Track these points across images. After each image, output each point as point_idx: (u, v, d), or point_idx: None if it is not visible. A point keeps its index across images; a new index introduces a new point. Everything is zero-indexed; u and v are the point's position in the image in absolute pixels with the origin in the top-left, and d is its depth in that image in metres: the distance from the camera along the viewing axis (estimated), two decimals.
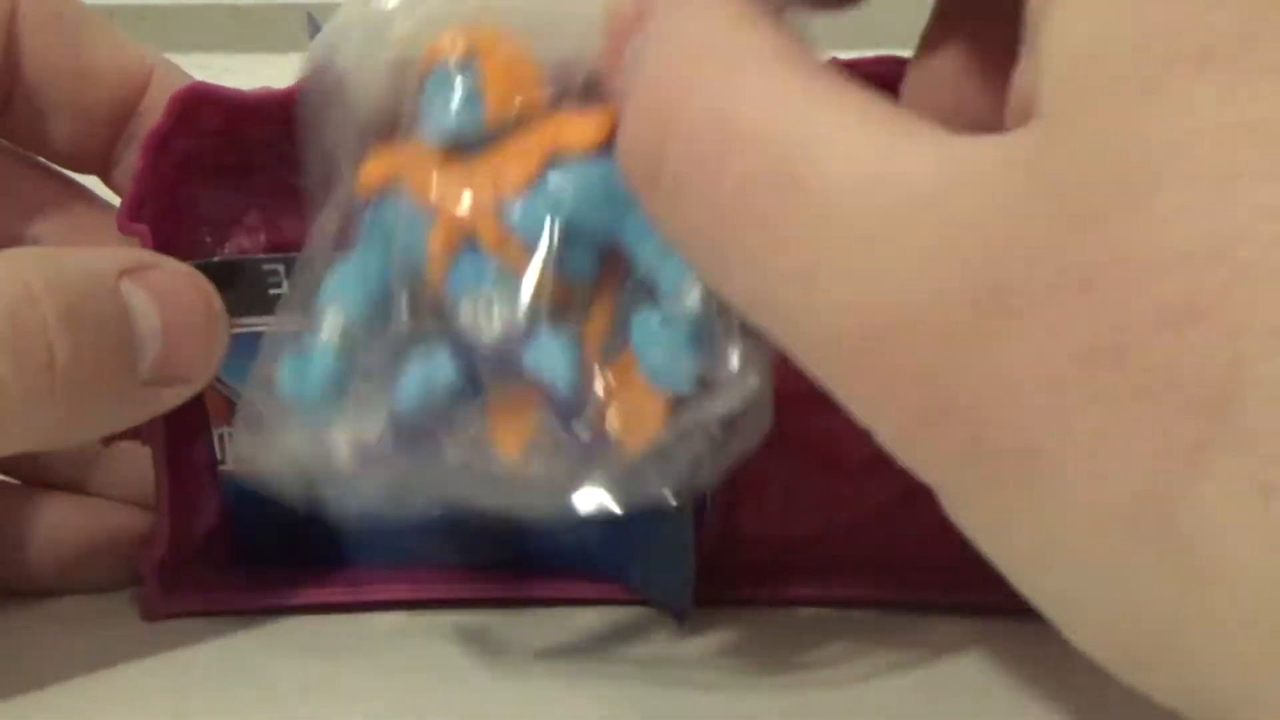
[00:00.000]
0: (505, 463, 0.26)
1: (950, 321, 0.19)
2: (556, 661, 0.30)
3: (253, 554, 0.33)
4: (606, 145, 0.25)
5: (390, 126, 0.27)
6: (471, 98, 0.26)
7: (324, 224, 0.28)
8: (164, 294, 0.29)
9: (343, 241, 0.27)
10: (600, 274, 0.26)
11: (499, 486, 0.27)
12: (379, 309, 0.27)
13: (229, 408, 0.32)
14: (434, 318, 0.26)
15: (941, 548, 0.25)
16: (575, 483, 0.26)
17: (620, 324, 0.26)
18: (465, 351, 0.26)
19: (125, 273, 0.29)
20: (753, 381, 0.25)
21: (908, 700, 0.28)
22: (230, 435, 0.32)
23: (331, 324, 0.27)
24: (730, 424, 0.25)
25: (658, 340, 0.25)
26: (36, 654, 0.31)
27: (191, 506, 0.32)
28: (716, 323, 0.25)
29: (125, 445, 0.33)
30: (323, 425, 0.27)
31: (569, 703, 0.28)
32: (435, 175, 0.26)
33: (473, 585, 0.32)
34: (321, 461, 0.27)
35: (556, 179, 0.26)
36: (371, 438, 0.27)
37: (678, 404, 0.25)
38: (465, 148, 0.26)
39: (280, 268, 0.31)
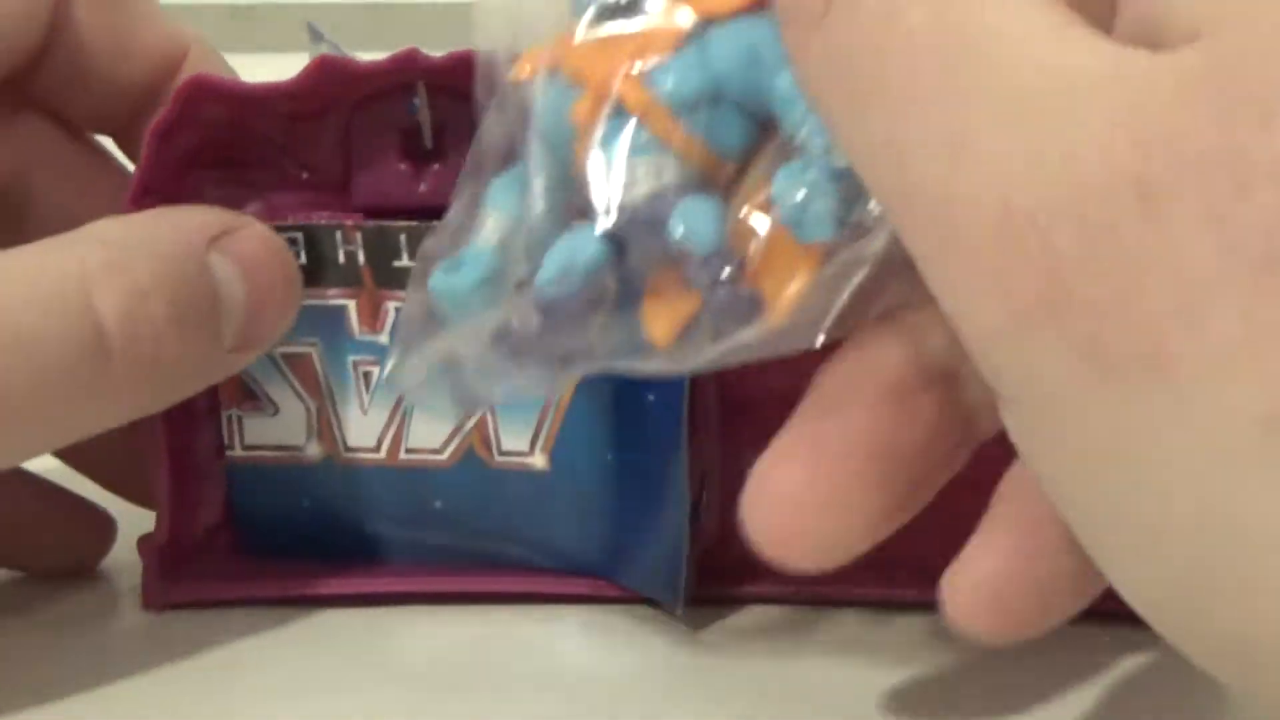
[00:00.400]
0: (655, 346, 0.26)
1: (1095, 211, 0.18)
2: (555, 658, 0.30)
3: (257, 543, 0.33)
4: (752, 9, 0.26)
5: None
6: None
7: (481, 136, 0.28)
8: (248, 260, 0.29)
9: (501, 156, 0.28)
10: (751, 144, 0.26)
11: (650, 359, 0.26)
12: (547, 194, 0.27)
13: (241, 389, 0.32)
14: (581, 194, 0.26)
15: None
16: (728, 341, 0.25)
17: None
18: (604, 232, 0.26)
19: (214, 240, 0.29)
20: (885, 229, 0.25)
21: (906, 695, 0.28)
22: (239, 418, 0.32)
23: (489, 228, 0.27)
24: (881, 268, 0.25)
25: (795, 188, 0.25)
26: (32, 642, 0.30)
27: (193, 492, 0.32)
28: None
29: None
30: (477, 323, 0.27)
31: (566, 699, 0.28)
32: (584, 45, 0.26)
33: (473, 579, 0.32)
34: (476, 357, 0.27)
35: (703, 40, 0.26)
36: (518, 323, 0.26)
37: (826, 254, 0.25)
38: (616, 20, 0.26)
39: (299, 236, 0.31)
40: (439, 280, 0.27)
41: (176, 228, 0.29)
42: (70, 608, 0.32)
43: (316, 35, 0.36)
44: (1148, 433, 0.18)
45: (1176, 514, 0.18)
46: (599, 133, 0.26)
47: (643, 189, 0.26)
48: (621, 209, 0.26)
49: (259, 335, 0.30)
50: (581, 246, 0.26)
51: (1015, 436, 0.21)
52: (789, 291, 0.25)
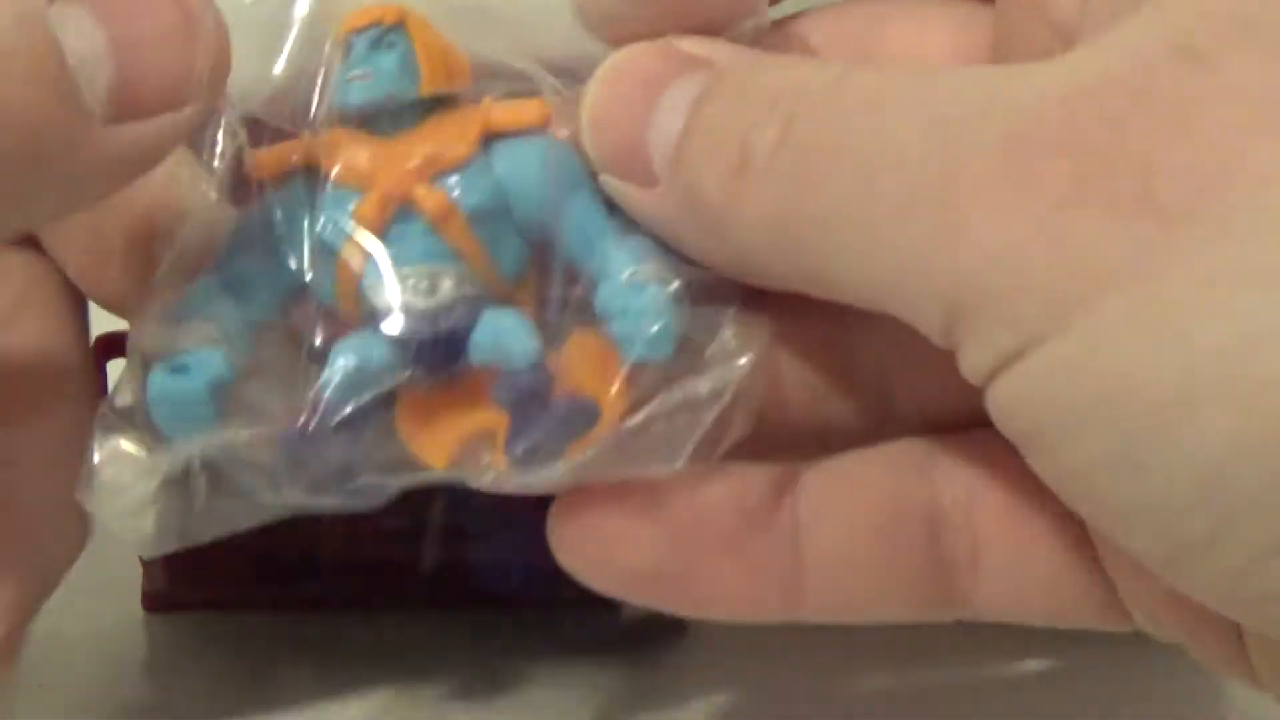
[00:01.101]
0: (429, 470, 0.24)
1: (1132, 80, 0.20)
2: (556, 666, 0.30)
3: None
4: (542, 129, 0.25)
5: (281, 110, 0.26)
6: (406, 64, 0.25)
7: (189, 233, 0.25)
8: (109, 3, 0.22)
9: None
10: (524, 271, 0.25)
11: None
12: (275, 304, 0.25)
13: None
14: (358, 301, 0.25)
15: None
16: (547, 463, 0.24)
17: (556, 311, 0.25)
18: (393, 332, 0.24)
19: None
20: (745, 360, 0.24)
21: (904, 705, 0.29)
22: None
23: (205, 332, 0.25)
24: (719, 406, 0.24)
25: (632, 301, 0.24)
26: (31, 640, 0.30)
27: None
28: (689, 293, 0.24)
29: (66, 416, 0.27)
30: (210, 432, 0.24)
31: (566, 707, 0.29)
32: (362, 148, 0.25)
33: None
34: (229, 462, 0.24)
35: (488, 155, 0.25)
36: (293, 428, 0.24)
37: (659, 377, 0.24)
38: (390, 124, 0.25)
39: None
40: (163, 383, 0.24)
41: None
42: (70, 596, 0.31)
43: None
44: (1197, 276, 0.19)
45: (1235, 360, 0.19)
46: (388, 236, 0.24)
47: (443, 297, 0.24)
48: (419, 315, 0.24)
49: (154, 91, 0.23)
50: (370, 349, 0.24)
51: (1050, 376, 0.20)
52: (611, 409, 0.24)
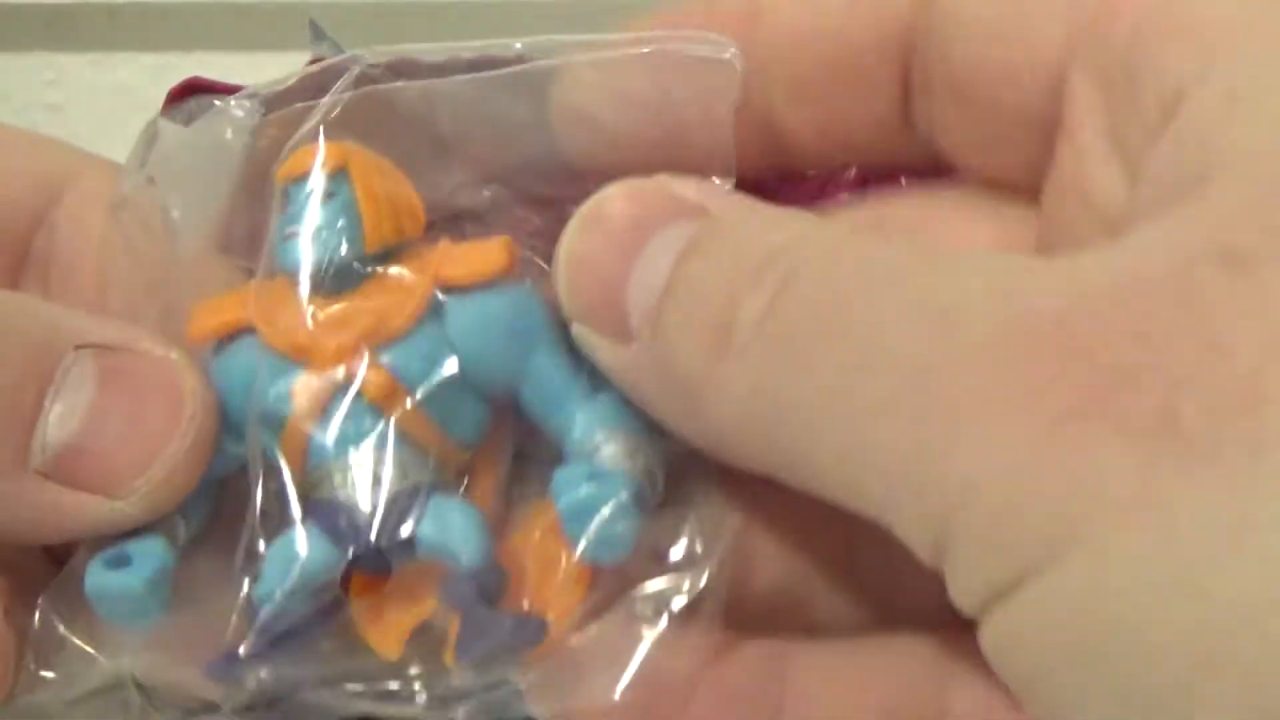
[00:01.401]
0: (383, 662, 0.23)
1: (1167, 285, 0.18)
2: None
3: None
4: (497, 279, 0.23)
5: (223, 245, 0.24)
6: (348, 219, 0.23)
7: None
8: (117, 374, 0.23)
9: None
10: (485, 431, 0.24)
11: (395, 692, 0.23)
12: (231, 461, 0.24)
13: None
14: (298, 487, 0.23)
15: None
16: (497, 676, 0.22)
17: (510, 485, 0.24)
18: (334, 527, 0.22)
19: (87, 345, 0.23)
20: (710, 563, 0.23)
21: None
22: None
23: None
24: (681, 608, 0.22)
25: (591, 499, 0.22)
26: None
27: None
28: (654, 484, 0.23)
29: None
30: (151, 632, 0.23)
31: None
32: (300, 315, 0.23)
33: None
34: (165, 681, 0.23)
35: (441, 314, 0.23)
36: (226, 643, 0.22)
37: (614, 578, 0.22)
38: (333, 281, 0.23)
39: None
40: (101, 578, 0.22)
41: (61, 312, 0.24)
42: None
43: (318, 34, 0.36)
44: (1221, 498, 0.16)
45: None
46: (329, 418, 0.22)
47: (387, 489, 0.22)
48: (360, 510, 0.22)
49: (95, 473, 0.22)
50: (309, 550, 0.22)
51: (1040, 613, 0.18)
52: (564, 615, 0.22)
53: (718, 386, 0.20)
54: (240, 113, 0.24)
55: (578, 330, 0.23)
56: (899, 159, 0.26)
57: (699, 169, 0.23)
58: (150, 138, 0.25)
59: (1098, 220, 0.22)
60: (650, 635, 0.22)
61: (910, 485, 0.18)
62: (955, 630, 0.21)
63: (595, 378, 0.23)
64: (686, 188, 0.22)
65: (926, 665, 0.23)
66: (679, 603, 0.22)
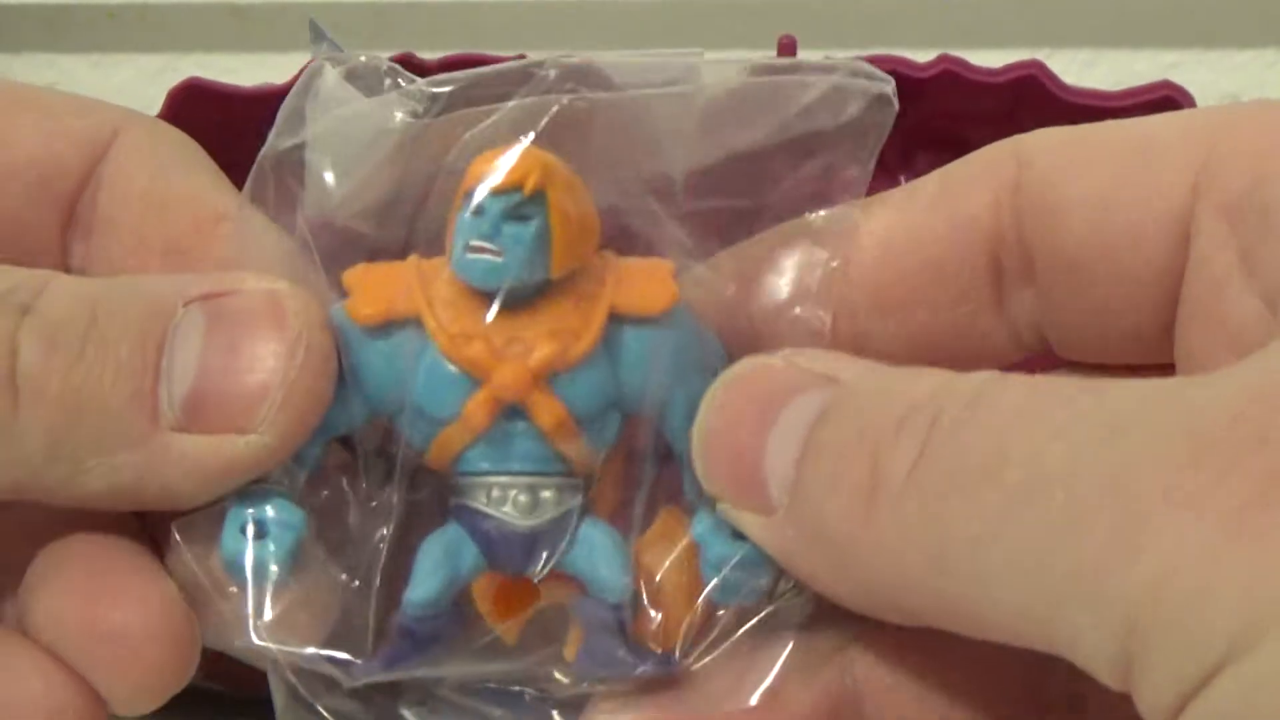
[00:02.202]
0: (502, 640, 0.24)
1: None
2: None
3: None
4: (667, 314, 0.24)
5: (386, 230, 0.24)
6: (540, 244, 0.23)
7: None
8: (223, 313, 0.24)
9: None
10: (617, 443, 0.24)
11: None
12: (354, 429, 0.24)
13: None
14: (439, 491, 0.24)
15: None
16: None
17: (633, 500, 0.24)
18: (486, 539, 0.23)
19: (193, 300, 0.24)
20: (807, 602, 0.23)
21: None
22: None
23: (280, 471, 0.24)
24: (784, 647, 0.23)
25: (731, 547, 0.23)
26: None
27: None
28: None
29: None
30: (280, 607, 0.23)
31: None
32: (476, 326, 0.23)
33: None
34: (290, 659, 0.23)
35: (615, 344, 0.23)
36: (373, 660, 0.23)
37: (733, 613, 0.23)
38: (509, 295, 0.23)
39: None
40: (237, 546, 0.23)
41: (155, 280, 0.24)
42: None
43: (318, 34, 0.36)
44: None
45: None
46: (494, 436, 0.23)
47: (542, 515, 0.23)
48: (515, 532, 0.23)
49: (224, 414, 0.23)
50: (460, 556, 0.23)
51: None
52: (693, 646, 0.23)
53: (869, 543, 0.21)
54: (416, 102, 0.24)
55: (722, 508, 0.23)
56: (995, 359, 0.26)
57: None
58: (308, 86, 0.25)
59: (1237, 350, 0.22)
60: (778, 656, 0.23)
61: (1089, 600, 0.18)
62: None
63: None
64: (815, 360, 0.23)
65: None
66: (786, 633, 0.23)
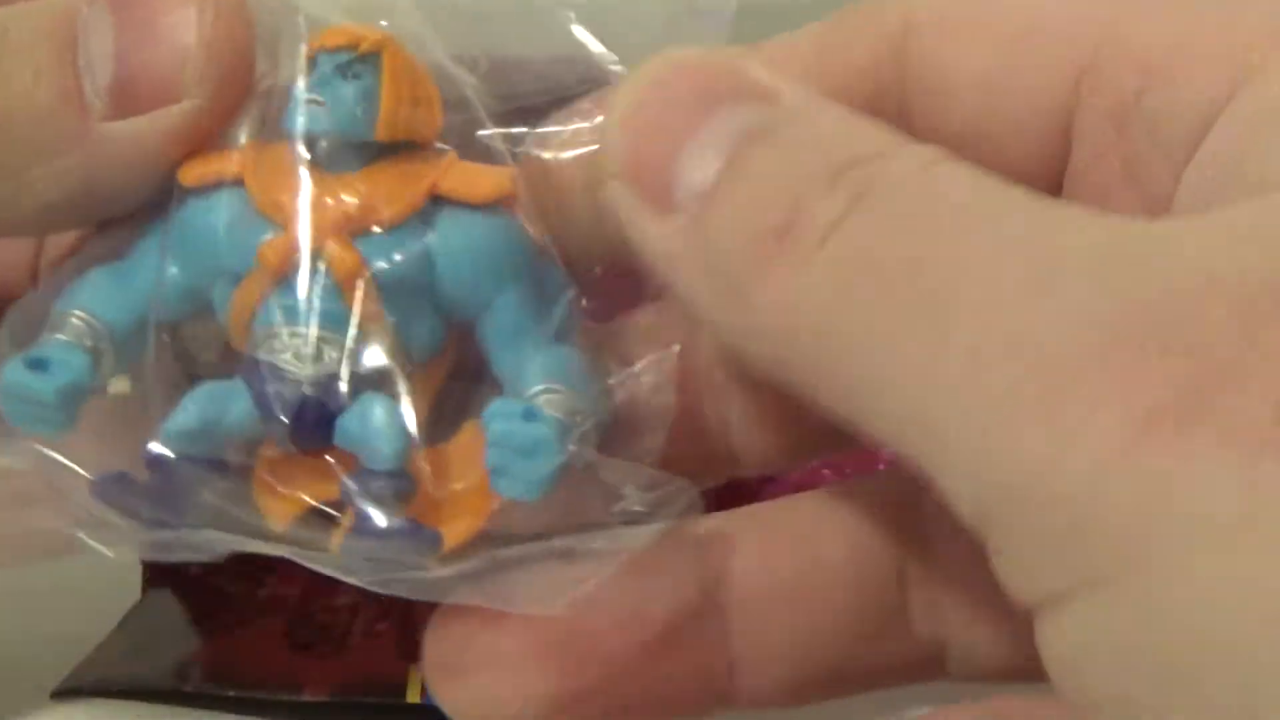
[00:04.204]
0: (270, 527, 0.23)
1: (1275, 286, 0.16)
2: None
3: None
4: (493, 206, 0.23)
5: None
6: (368, 101, 0.23)
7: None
8: (124, 1, 0.23)
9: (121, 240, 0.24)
10: (437, 352, 0.23)
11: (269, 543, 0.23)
12: (173, 310, 0.24)
13: None
14: (247, 337, 0.23)
15: None
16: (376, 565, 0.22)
17: (445, 402, 0.23)
18: (262, 391, 0.22)
19: None
20: (649, 530, 0.22)
21: None
22: None
23: (75, 328, 0.23)
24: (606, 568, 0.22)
25: (518, 432, 0.22)
26: None
27: None
28: (584, 447, 0.22)
29: None
30: (55, 438, 0.23)
31: None
32: (291, 179, 0.23)
33: None
34: (54, 485, 0.23)
35: (430, 223, 0.23)
36: (120, 463, 0.23)
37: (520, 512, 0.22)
38: (334, 159, 0.23)
39: None
40: (16, 374, 0.23)
41: None
42: None
43: None
44: None
45: None
46: (288, 284, 0.22)
47: (325, 367, 0.22)
48: (291, 379, 0.22)
49: (150, 87, 0.23)
50: (231, 401, 0.23)
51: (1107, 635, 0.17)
52: (466, 535, 0.22)
53: (768, 288, 0.19)
54: None
55: (614, 188, 0.22)
56: None
57: None
58: None
59: (1128, 176, 0.22)
60: (579, 572, 0.22)
61: (973, 447, 0.17)
62: (1002, 680, 0.21)
63: (558, 331, 0.23)
64: (760, 70, 0.21)
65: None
66: (611, 556, 0.22)
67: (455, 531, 0.22)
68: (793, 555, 0.24)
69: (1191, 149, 0.20)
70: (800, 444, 0.25)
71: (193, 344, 0.24)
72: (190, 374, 0.24)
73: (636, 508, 0.23)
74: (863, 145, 0.20)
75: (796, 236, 0.19)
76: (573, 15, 0.25)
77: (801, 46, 0.24)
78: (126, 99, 0.23)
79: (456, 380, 0.24)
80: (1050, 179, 0.23)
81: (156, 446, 0.22)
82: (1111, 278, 0.17)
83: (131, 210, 0.24)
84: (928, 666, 0.25)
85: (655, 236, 0.21)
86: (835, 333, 0.19)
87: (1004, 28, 0.23)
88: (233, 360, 0.23)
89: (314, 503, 0.23)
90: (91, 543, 0.22)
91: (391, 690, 0.37)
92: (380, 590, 0.22)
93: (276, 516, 0.23)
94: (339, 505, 0.23)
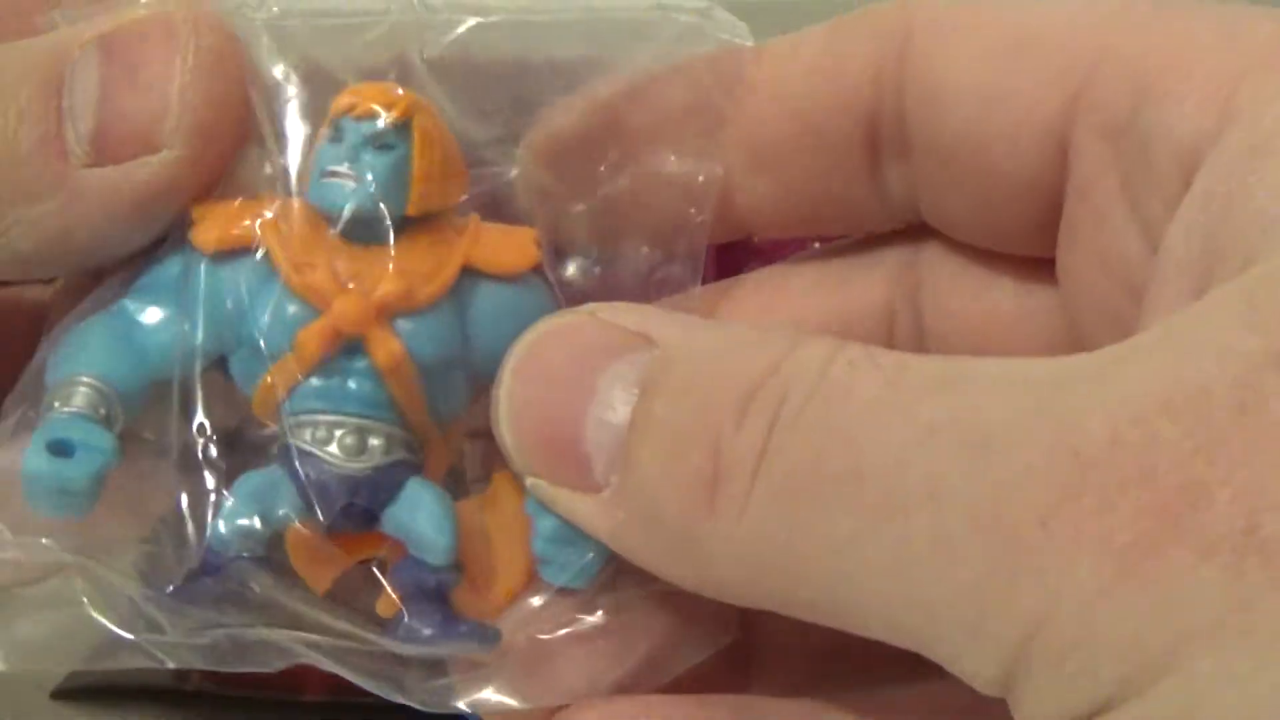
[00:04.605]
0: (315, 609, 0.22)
1: (1229, 396, 0.17)
2: None
3: None
4: (524, 276, 0.23)
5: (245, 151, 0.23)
6: (399, 176, 0.22)
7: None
8: (113, 46, 0.23)
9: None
10: (463, 411, 0.23)
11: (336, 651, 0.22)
12: (176, 367, 0.23)
13: None
14: (275, 418, 0.22)
15: None
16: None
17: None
18: (305, 481, 0.22)
19: (91, 39, 0.23)
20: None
21: None
22: None
23: (84, 397, 0.22)
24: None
25: (569, 528, 0.22)
26: None
27: None
28: None
29: None
30: (80, 518, 0.22)
31: None
32: (324, 257, 0.22)
33: None
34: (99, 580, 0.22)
35: (466, 297, 0.22)
36: (166, 588, 0.22)
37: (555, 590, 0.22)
38: (363, 231, 0.22)
39: None
40: (41, 463, 0.22)
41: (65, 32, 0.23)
42: None
43: None
44: None
45: None
46: (326, 371, 0.22)
47: (368, 461, 0.22)
48: (338, 477, 0.22)
49: (116, 139, 0.22)
50: (276, 497, 0.22)
51: None
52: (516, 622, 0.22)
53: (717, 539, 0.19)
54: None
55: (532, 484, 0.21)
56: (866, 228, 0.26)
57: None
58: None
59: (1118, 284, 0.22)
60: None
61: (967, 625, 0.17)
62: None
63: None
64: (620, 314, 0.21)
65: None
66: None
67: (496, 610, 0.22)
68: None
69: (1183, 179, 0.20)
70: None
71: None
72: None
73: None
74: (752, 365, 0.19)
75: (727, 478, 0.19)
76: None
77: (803, 50, 0.24)
78: (107, 147, 0.22)
79: (477, 438, 0.24)
80: (1047, 193, 0.23)
81: (207, 554, 0.22)
82: (1049, 433, 0.17)
83: (109, 262, 0.23)
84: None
85: (590, 516, 0.21)
86: (794, 555, 0.19)
87: (1000, 38, 0.23)
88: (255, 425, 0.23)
89: (352, 563, 0.23)
90: (156, 652, 0.22)
91: None
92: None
93: (317, 581, 0.22)
94: (380, 564, 0.23)
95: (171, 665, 0.22)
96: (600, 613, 0.22)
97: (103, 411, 0.22)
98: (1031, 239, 0.24)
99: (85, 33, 0.23)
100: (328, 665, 0.22)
